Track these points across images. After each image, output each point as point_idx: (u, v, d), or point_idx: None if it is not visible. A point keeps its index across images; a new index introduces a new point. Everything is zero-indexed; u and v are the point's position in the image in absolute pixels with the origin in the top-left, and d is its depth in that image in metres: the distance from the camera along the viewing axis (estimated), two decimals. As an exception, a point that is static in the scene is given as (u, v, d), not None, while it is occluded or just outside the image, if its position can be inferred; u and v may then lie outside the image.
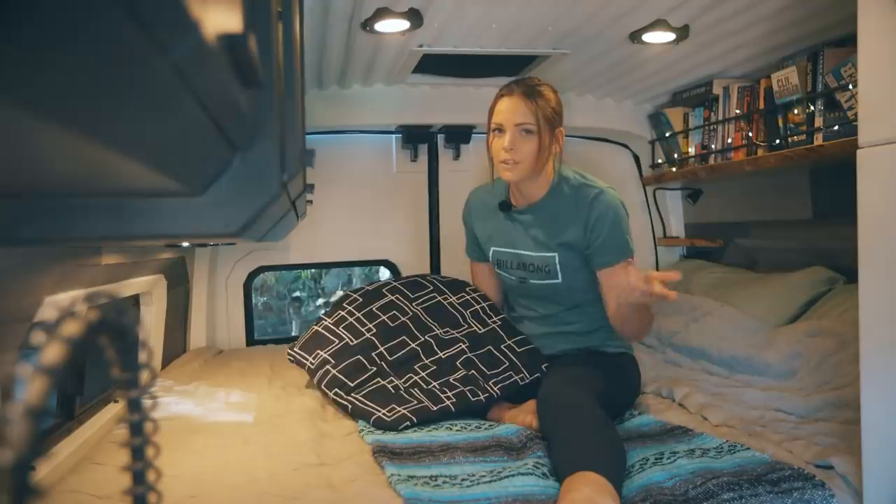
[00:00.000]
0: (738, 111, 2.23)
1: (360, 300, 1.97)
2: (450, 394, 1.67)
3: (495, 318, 1.93)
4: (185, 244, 1.95)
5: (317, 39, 1.86)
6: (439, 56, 2.09)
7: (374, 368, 1.77)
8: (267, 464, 1.38)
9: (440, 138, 2.77)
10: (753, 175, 2.30)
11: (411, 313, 1.92)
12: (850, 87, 1.69)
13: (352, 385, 1.72)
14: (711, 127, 2.37)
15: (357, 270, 5.37)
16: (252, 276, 2.72)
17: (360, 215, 2.76)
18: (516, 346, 1.83)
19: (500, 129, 1.71)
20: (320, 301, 5.60)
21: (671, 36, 1.87)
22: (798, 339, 1.83)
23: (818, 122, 1.84)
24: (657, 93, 2.58)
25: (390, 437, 1.52)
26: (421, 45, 1.98)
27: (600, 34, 1.91)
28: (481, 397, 1.67)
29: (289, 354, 1.93)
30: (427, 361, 1.79)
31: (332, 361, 1.80)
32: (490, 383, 1.70)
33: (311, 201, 1.87)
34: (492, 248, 1.92)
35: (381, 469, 1.35)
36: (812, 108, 1.87)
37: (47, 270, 1.14)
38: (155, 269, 1.97)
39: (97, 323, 0.36)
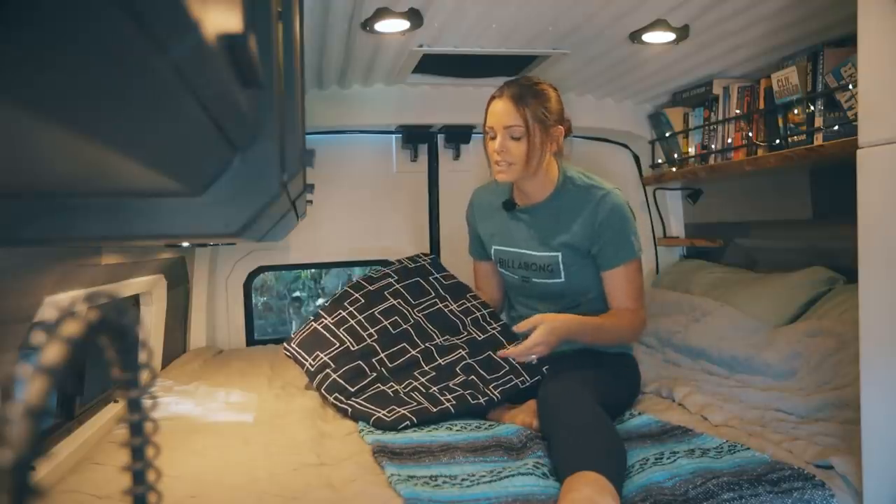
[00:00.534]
0: (738, 111, 2.23)
1: (362, 301, 1.97)
2: (449, 396, 1.67)
3: (495, 325, 1.95)
4: (185, 244, 1.95)
5: (317, 39, 1.86)
6: (439, 56, 2.09)
7: (374, 374, 1.77)
8: (267, 464, 1.38)
9: (440, 138, 2.77)
10: (753, 175, 2.30)
11: (413, 320, 1.93)
12: (850, 87, 1.69)
13: (352, 390, 1.73)
14: (711, 127, 2.37)
15: (357, 270, 5.37)
16: (252, 276, 2.72)
17: (360, 215, 2.76)
18: None
19: (492, 132, 1.73)
20: (320, 301, 5.60)
21: (671, 36, 1.87)
22: (798, 339, 1.83)
23: (818, 122, 1.84)
24: (657, 93, 2.58)
25: (390, 437, 1.52)
26: (421, 45, 1.98)
27: (600, 34, 1.91)
28: (481, 400, 1.67)
29: (285, 349, 1.93)
30: (427, 368, 1.80)
31: (333, 366, 1.80)
32: (490, 387, 1.70)
33: (311, 201, 1.88)
34: (494, 247, 1.93)
35: (381, 469, 1.35)
36: (812, 108, 1.87)
37: (47, 270, 1.14)
38: (155, 269, 1.97)
39: (97, 323, 0.36)
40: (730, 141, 2.27)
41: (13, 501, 0.26)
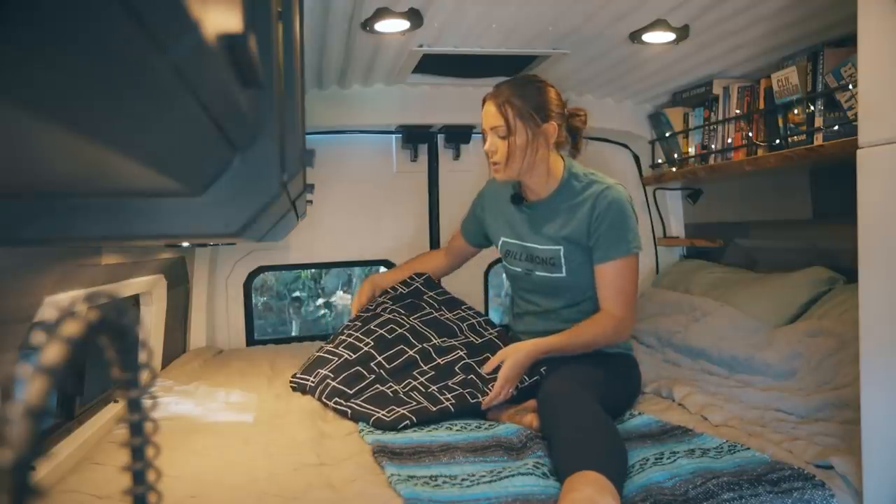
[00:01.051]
0: (738, 111, 2.23)
1: (359, 324, 1.99)
2: (448, 395, 1.67)
3: (491, 331, 1.97)
4: (185, 244, 1.95)
5: (317, 39, 1.86)
6: (439, 56, 2.09)
7: (373, 376, 1.77)
8: (267, 464, 1.38)
9: (440, 138, 2.77)
10: (753, 175, 2.30)
11: (408, 325, 1.94)
12: (850, 87, 1.69)
13: (351, 392, 1.73)
14: (711, 127, 2.37)
15: (357, 270, 5.37)
16: (252, 276, 2.72)
17: (360, 215, 2.76)
18: None
19: (484, 134, 1.79)
20: (320, 301, 5.61)
21: (671, 36, 1.87)
22: (798, 339, 1.83)
23: (818, 122, 1.84)
24: (657, 93, 2.58)
25: (390, 437, 1.52)
26: (421, 45, 1.98)
27: (600, 34, 1.91)
28: (480, 399, 1.67)
29: (291, 382, 1.96)
30: (425, 367, 1.80)
31: (332, 376, 1.81)
32: (489, 386, 1.70)
33: (311, 201, 1.88)
34: (501, 239, 1.95)
35: (381, 469, 1.35)
36: (812, 108, 1.87)
37: (47, 270, 1.14)
38: (155, 269, 1.97)
39: (97, 323, 0.36)
40: (730, 141, 2.27)
41: (13, 501, 0.26)
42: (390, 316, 1.97)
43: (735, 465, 1.29)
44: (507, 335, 1.97)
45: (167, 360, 2.27)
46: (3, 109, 0.20)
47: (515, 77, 1.84)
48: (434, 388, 1.71)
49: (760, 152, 2.11)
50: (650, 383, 1.93)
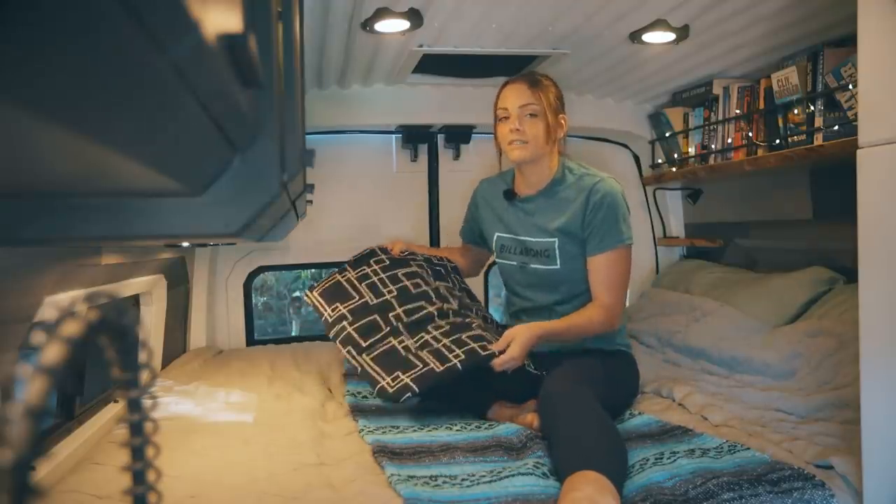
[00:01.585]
0: (738, 111, 2.23)
1: (387, 262, 1.97)
2: (458, 351, 1.64)
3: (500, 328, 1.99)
4: (185, 244, 1.95)
5: (317, 39, 1.86)
6: (439, 56, 2.09)
7: (389, 328, 1.77)
8: (267, 464, 1.38)
9: (440, 138, 2.77)
10: (753, 175, 2.30)
11: (433, 286, 1.94)
12: (850, 87, 1.69)
13: (364, 345, 1.73)
14: (711, 127, 2.37)
15: (357, 270, 5.36)
16: (252, 276, 2.72)
17: (360, 215, 2.76)
18: None
19: (506, 114, 1.81)
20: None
21: (671, 36, 1.87)
22: (798, 339, 1.83)
23: (818, 122, 1.84)
24: (657, 93, 2.58)
25: (390, 437, 1.52)
26: (421, 45, 1.98)
27: (600, 34, 1.91)
28: (492, 350, 1.63)
29: (307, 296, 1.93)
30: (441, 322, 1.79)
31: (350, 318, 1.80)
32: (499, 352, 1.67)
33: (311, 201, 1.88)
34: (496, 234, 1.97)
35: (381, 469, 1.35)
36: (812, 108, 1.87)
37: (47, 270, 1.14)
38: (155, 269, 1.97)
39: (97, 323, 0.36)
40: (730, 141, 2.27)
41: (13, 501, 0.26)
42: (418, 269, 1.97)
43: (735, 465, 1.29)
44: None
45: (167, 360, 2.27)
46: (3, 109, 0.20)
47: (531, 71, 1.92)
48: (447, 341, 1.69)
49: (760, 152, 2.11)
50: (650, 383, 1.93)
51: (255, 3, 0.42)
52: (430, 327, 1.78)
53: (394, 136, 2.75)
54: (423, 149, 2.77)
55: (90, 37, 0.20)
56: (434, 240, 2.80)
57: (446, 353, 1.65)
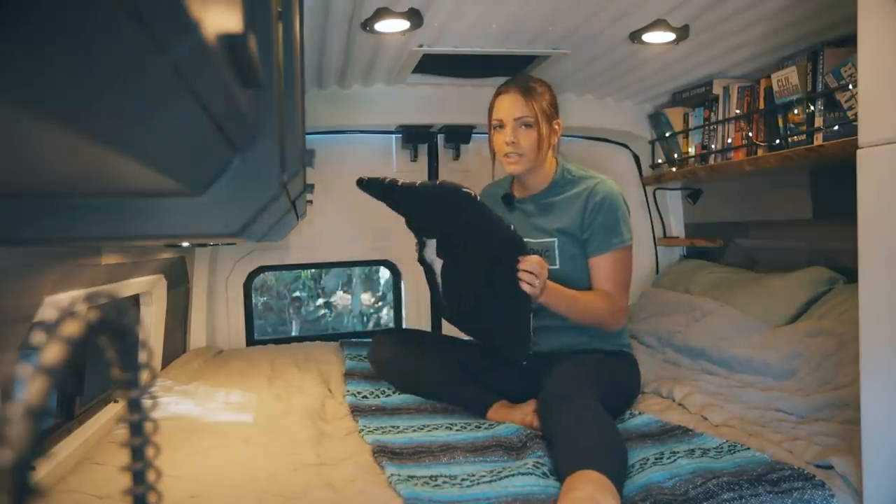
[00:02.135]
0: (738, 111, 2.23)
1: None
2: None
3: None
4: (185, 244, 1.95)
5: (317, 39, 1.86)
6: (439, 56, 2.09)
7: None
8: (267, 464, 1.38)
9: (440, 138, 2.77)
10: (753, 175, 2.30)
11: None
12: (850, 87, 1.69)
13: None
14: (711, 127, 2.37)
15: (357, 270, 5.37)
16: (252, 276, 2.72)
17: (360, 215, 2.75)
18: None
19: (501, 125, 1.79)
20: (320, 301, 5.60)
21: (671, 36, 1.87)
22: (798, 339, 1.83)
23: (818, 122, 1.84)
24: (657, 93, 2.58)
25: (390, 437, 1.52)
26: (421, 45, 1.98)
27: (600, 34, 1.91)
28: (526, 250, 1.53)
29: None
30: None
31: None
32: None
33: (311, 201, 1.87)
34: None
35: (381, 469, 1.35)
36: (812, 108, 1.87)
37: (47, 270, 1.14)
38: (155, 269, 1.97)
39: (97, 323, 0.36)
40: (730, 141, 2.27)
41: (13, 501, 0.26)
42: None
43: (735, 465, 1.29)
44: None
45: (167, 360, 2.27)
46: (3, 109, 0.20)
47: (525, 75, 1.91)
48: None
49: (760, 152, 2.11)
50: (650, 383, 1.93)
51: (255, 3, 0.42)
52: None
53: (394, 136, 2.75)
54: (423, 149, 2.77)
55: (90, 37, 0.20)
56: (434, 240, 2.80)
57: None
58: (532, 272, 1.52)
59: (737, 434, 1.49)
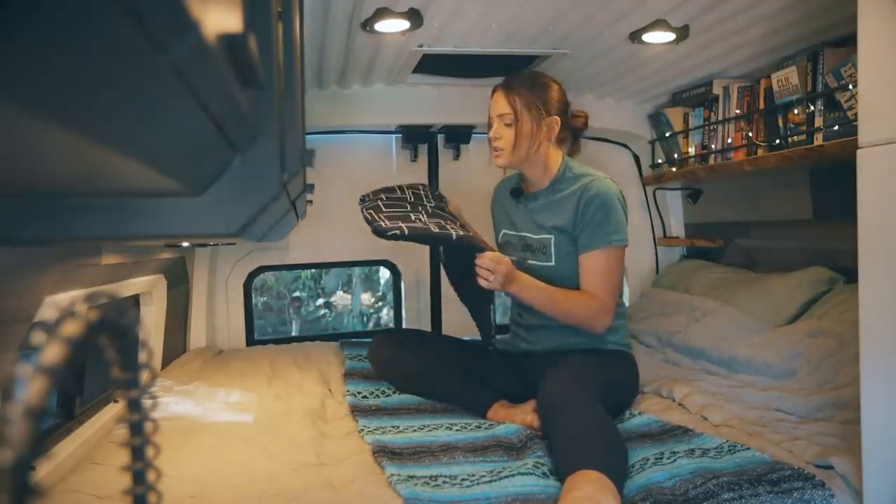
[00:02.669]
0: (738, 111, 2.23)
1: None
2: (458, 228, 1.73)
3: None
4: (185, 244, 1.95)
5: (317, 39, 1.86)
6: (439, 56, 2.09)
7: (410, 206, 1.85)
8: (267, 464, 1.38)
9: (440, 138, 2.77)
10: (753, 175, 2.30)
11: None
12: (850, 87, 1.69)
13: (383, 209, 1.83)
14: (711, 127, 2.37)
15: (357, 270, 5.37)
16: (252, 276, 2.71)
17: (359, 215, 2.75)
18: None
19: (490, 121, 1.86)
20: (320, 301, 5.60)
21: (671, 36, 1.87)
22: (798, 339, 1.83)
23: (818, 122, 1.84)
24: (657, 93, 2.58)
25: (390, 437, 1.52)
26: (421, 45, 1.98)
27: (600, 34, 1.91)
28: (484, 248, 1.69)
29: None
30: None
31: (384, 199, 1.91)
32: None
33: (311, 201, 1.87)
34: (502, 231, 2.02)
35: (381, 469, 1.35)
36: (812, 108, 1.87)
37: (47, 270, 1.14)
38: (155, 269, 1.97)
39: (97, 323, 0.36)
40: (730, 141, 2.27)
41: (13, 501, 0.26)
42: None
43: (735, 465, 1.29)
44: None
45: (167, 360, 2.27)
46: (3, 109, 0.20)
47: (524, 72, 1.93)
48: (456, 224, 1.79)
49: (760, 152, 2.11)
50: (650, 383, 1.93)
51: (255, 3, 0.42)
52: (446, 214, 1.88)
53: (394, 136, 2.75)
54: (423, 149, 2.76)
55: (90, 37, 0.20)
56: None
57: (447, 224, 1.74)
58: (486, 268, 1.64)
59: (737, 434, 1.49)
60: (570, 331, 1.84)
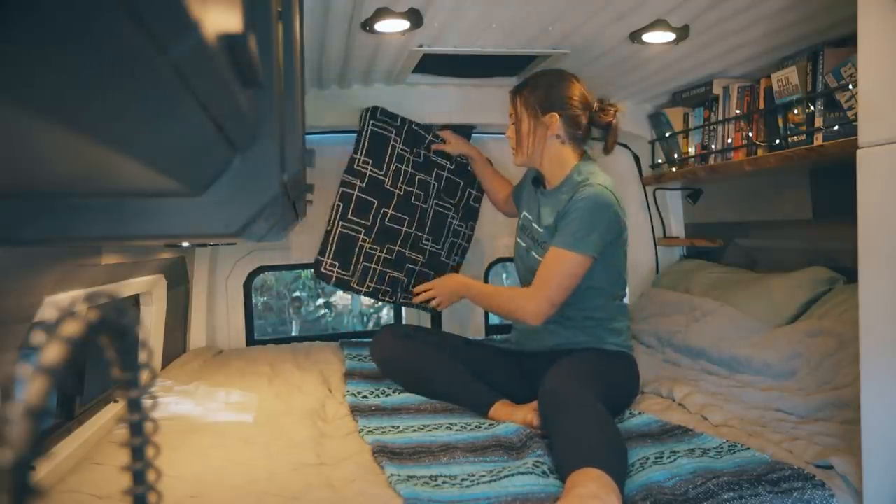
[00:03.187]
0: (738, 111, 2.23)
1: (420, 160, 2.47)
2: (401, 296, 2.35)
3: (452, 264, 2.56)
4: (185, 244, 1.95)
5: (317, 39, 1.86)
6: (439, 56, 2.09)
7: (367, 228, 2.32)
8: (267, 464, 1.38)
9: (440, 138, 2.76)
10: (753, 175, 2.30)
11: (428, 207, 2.46)
12: (850, 87, 1.69)
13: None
14: (711, 127, 2.37)
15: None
16: (252, 276, 2.71)
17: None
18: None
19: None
20: (320, 301, 5.60)
21: (671, 36, 1.87)
22: (798, 339, 1.83)
23: (818, 122, 1.83)
24: (657, 93, 2.58)
25: (390, 437, 1.52)
26: (421, 45, 1.98)
27: (600, 34, 1.91)
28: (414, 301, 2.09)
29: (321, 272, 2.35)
30: (407, 252, 2.39)
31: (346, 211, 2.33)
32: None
33: (311, 201, 1.87)
34: (523, 213, 2.08)
35: (380, 469, 1.35)
36: (812, 108, 1.87)
37: (47, 270, 1.14)
38: (155, 269, 1.97)
39: (97, 323, 0.36)
40: (730, 141, 2.27)
41: (13, 501, 0.26)
42: (435, 182, 2.46)
43: (735, 465, 1.29)
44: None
45: (167, 360, 2.27)
46: (3, 109, 0.20)
47: (538, 70, 2.05)
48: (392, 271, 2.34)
49: (760, 152, 2.11)
50: (650, 383, 1.93)
51: (255, 3, 0.42)
52: (399, 246, 2.36)
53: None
54: (423, 149, 2.76)
55: (90, 37, 0.20)
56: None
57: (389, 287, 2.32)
58: (428, 295, 1.98)
59: (737, 434, 1.49)
60: (571, 331, 1.84)
